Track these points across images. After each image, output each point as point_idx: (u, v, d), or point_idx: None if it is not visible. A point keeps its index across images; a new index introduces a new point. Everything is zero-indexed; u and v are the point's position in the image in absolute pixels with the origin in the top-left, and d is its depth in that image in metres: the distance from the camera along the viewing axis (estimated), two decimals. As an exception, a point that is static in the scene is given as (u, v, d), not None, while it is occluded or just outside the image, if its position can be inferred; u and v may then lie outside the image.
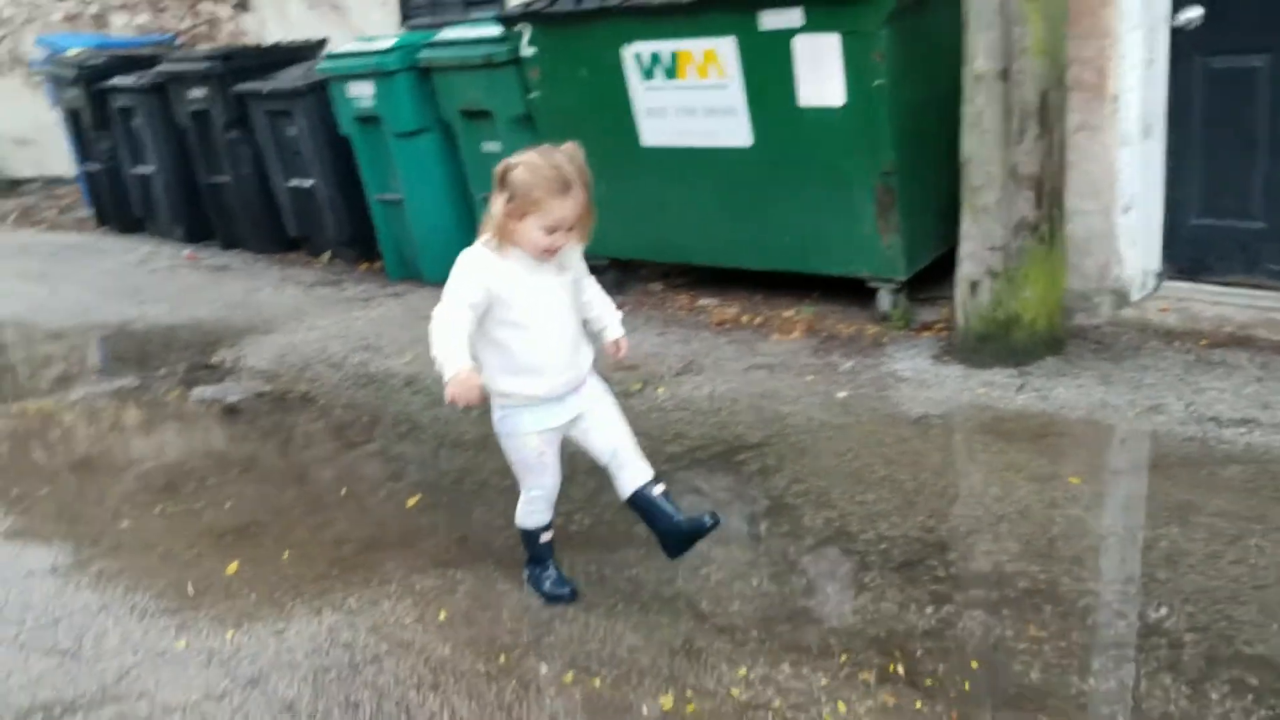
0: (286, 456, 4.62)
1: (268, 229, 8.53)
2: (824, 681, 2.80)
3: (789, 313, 5.80)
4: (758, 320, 5.82)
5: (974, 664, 2.84)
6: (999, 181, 4.58)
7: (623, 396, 4.94)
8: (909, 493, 3.78)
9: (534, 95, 6.13)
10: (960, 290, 4.85)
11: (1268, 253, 4.93)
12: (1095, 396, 4.43)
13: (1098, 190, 4.96)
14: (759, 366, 5.17)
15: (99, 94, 9.34)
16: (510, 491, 4.03)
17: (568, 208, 2.80)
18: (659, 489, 3.17)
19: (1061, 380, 4.61)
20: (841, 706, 2.70)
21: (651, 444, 4.00)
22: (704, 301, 6.17)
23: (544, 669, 2.95)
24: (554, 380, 3.03)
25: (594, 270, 7.46)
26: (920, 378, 4.82)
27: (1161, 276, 5.23)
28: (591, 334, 3.21)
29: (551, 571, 3.30)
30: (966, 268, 4.80)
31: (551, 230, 2.82)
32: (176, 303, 7.41)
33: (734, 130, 5.50)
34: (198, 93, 8.36)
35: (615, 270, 6.42)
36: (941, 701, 2.69)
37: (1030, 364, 4.75)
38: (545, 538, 3.30)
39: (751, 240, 5.77)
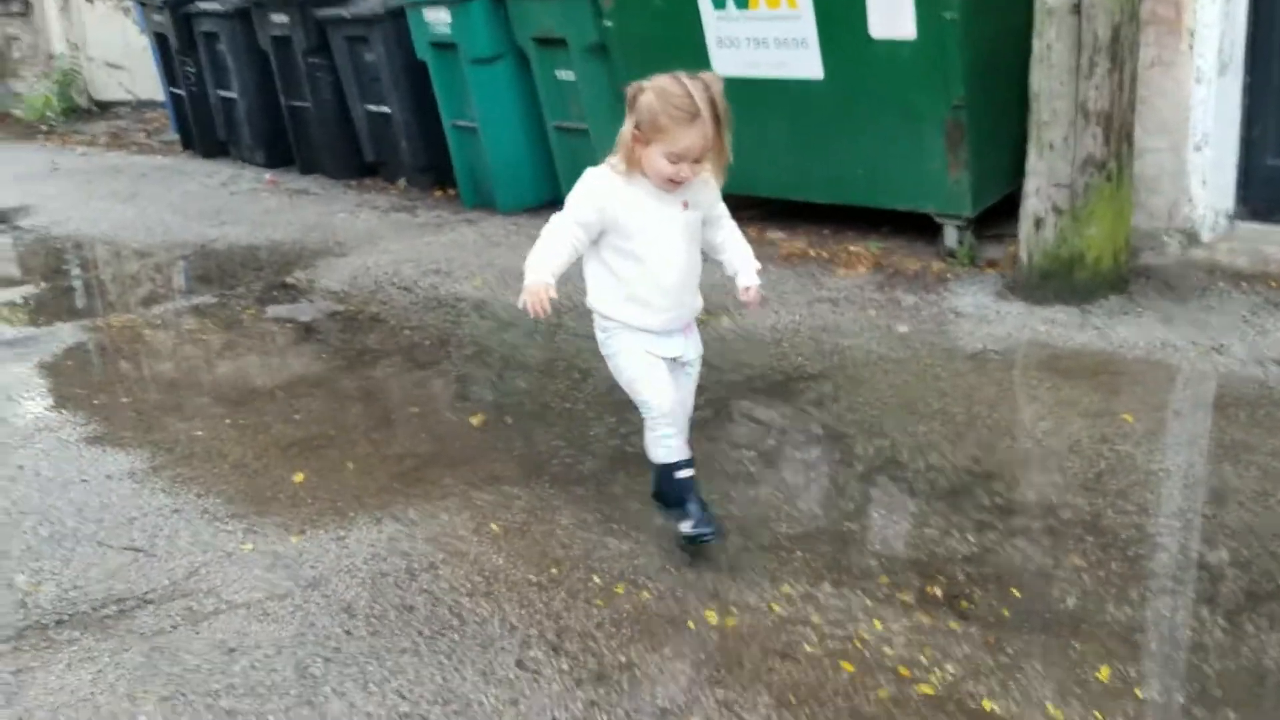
0: (355, 374, 4.77)
1: (345, 154, 8.68)
2: (864, 601, 2.88)
3: (855, 248, 5.81)
4: (824, 254, 5.83)
5: (1013, 590, 2.89)
6: (1067, 117, 4.53)
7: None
8: (960, 425, 3.82)
9: (608, 23, 6.14)
10: (1025, 227, 4.83)
11: (1346, 195, 4.83)
12: (1156, 336, 4.40)
13: (1169, 127, 4.88)
14: (823, 300, 5.19)
15: (185, 18, 9.53)
16: (571, 414, 4.16)
17: (693, 137, 2.70)
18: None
19: (1123, 319, 4.58)
20: (878, 624, 2.77)
21: (712, 373, 4.08)
22: (772, 234, 6.18)
23: (594, 581, 3.06)
24: (660, 316, 2.95)
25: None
26: (981, 314, 4.82)
27: (1234, 217, 5.14)
28: (726, 274, 3.14)
29: (693, 508, 3.01)
30: (1032, 204, 4.77)
31: (676, 159, 2.73)
32: (256, 224, 7.60)
33: (805, 62, 5.48)
34: (280, 18, 8.49)
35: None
36: (977, 624, 2.75)
37: (1093, 302, 4.73)
38: (682, 474, 3.01)
39: (820, 174, 5.77)
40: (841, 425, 3.91)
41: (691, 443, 3.15)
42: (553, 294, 2.78)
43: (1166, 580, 2.87)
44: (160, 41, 10.19)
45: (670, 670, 2.67)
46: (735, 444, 3.80)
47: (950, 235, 5.46)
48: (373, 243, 6.90)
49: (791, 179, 5.92)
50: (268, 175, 9.19)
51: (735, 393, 4.23)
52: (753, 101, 5.78)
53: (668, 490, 3.06)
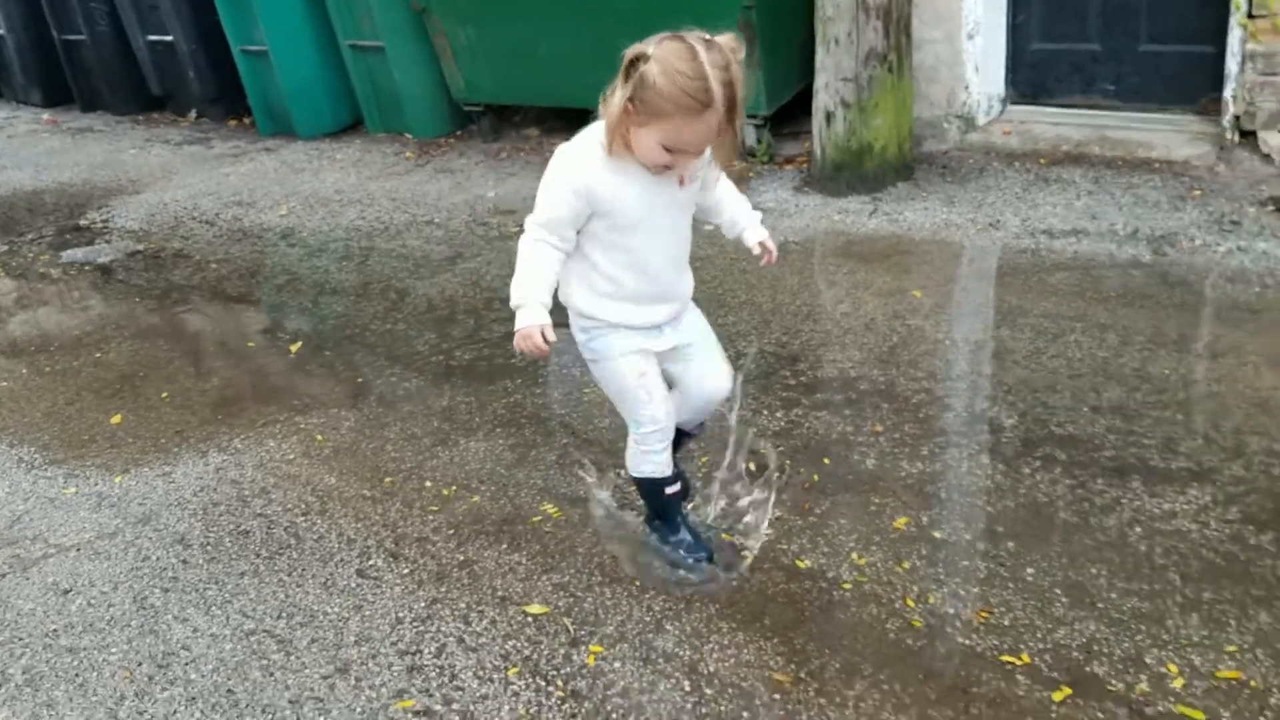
0: (163, 312, 4.67)
1: (128, 88, 8.31)
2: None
3: (658, 151, 5.93)
4: (628, 160, 5.93)
5: (824, 459, 3.11)
6: (849, 13, 4.73)
7: (502, 240, 5.09)
8: (766, 313, 4.02)
9: (393, -64, 6.04)
10: (817, 121, 5.04)
11: (1102, 73, 5.20)
12: (940, 217, 4.70)
13: (944, 18, 5.14)
14: (628, 204, 5.31)
15: (-66, -49, 8.87)
16: (391, 335, 4.20)
17: (699, 131, 2.15)
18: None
19: (910, 204, 4.86)
20: (699, 501, 2.96)
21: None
22: (575, 144, 6.25)
23: (427, 487, 3.15)
24: (656, 310, 2.46)
25: (468, 118, 7.49)
26: (782, 208, 5.03)
27: (1006, 101, 5.47)
28: (728, 237, 2.69)
29: (684, 536, 2.70)
30: (822, 99, 4.98)
31: (674, 151, 2.20)
32: (39, 167, 7.25)
33: (595, -31, 5.52)
34: (41, -54, 8.01)
35: (490, 116, 6.46)
36: (790, 492, 2.96)
37: (883, 190, 5.00)
38: (671, 491, 2.66)
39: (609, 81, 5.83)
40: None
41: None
42: (550, 335, 2.29)
43: (953, 436, 3.14)
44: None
45: (508, 563, 2.79)
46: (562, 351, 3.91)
47: (749, 135, 5.64)
48: (167, 178, 6.69)
49: (593, 88, 5.96)
50: (46, 115, 8.73)
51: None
52: (553, 11, 5.80)
53: (655, 507, 2.72)
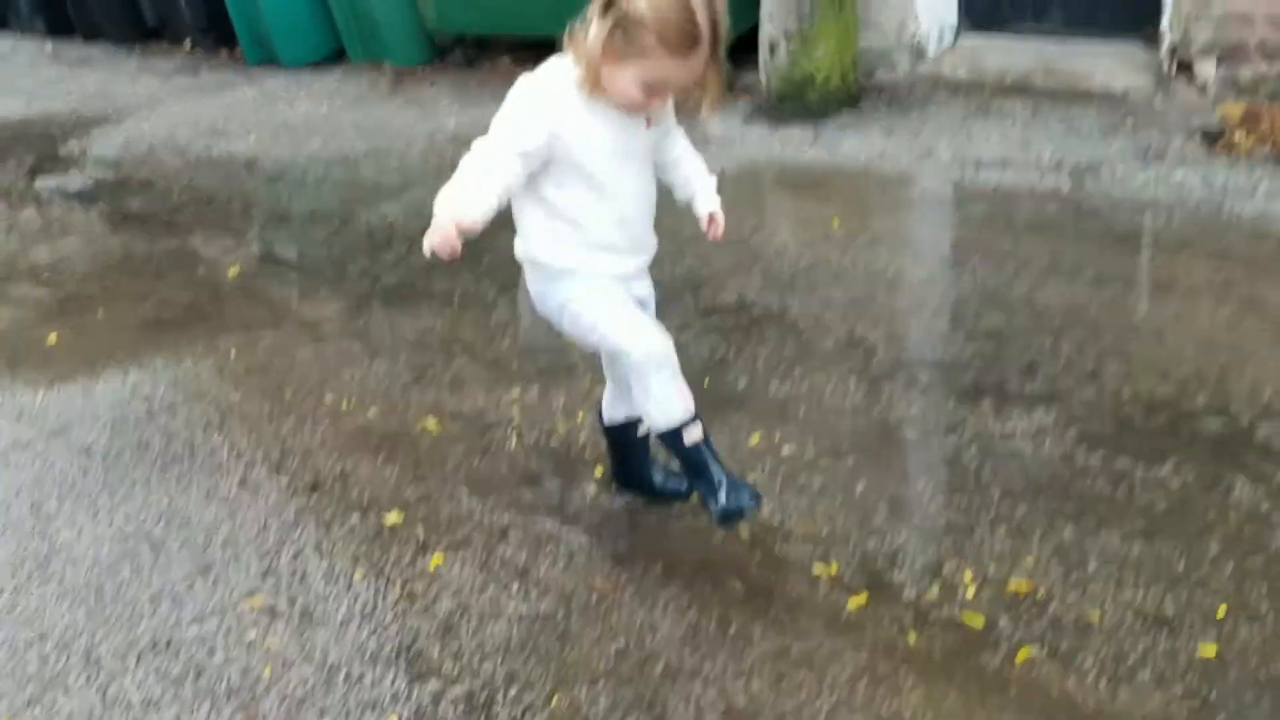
0: (118, 238, 4.82)
1: (126, 18, 8.42)
2: (562, 400, 3.18)
3: (620, 81, 5.98)
4: (591, 90, 5.99)
5: (704, 381, 3.21)
6: (789, -59, 4.75)
7: (453, 169, 5.19)
8: (684, 240, 4.08)
9: None
10: (762, 53, 5.08)
11: (1054, 1, 5.17)
12: (876, 147, 4.74)
13: (893, -54, 5.14)
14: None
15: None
16: (327, 259, 4.33)
17: (683, 70, 2.01)
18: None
19: (850, 134, 4.90)
20: (581, 416, 3.08)
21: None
22: (544, 74, 6.31)
23: (325, 403, 3.30)
24: (625, 261, 2.29)
25: (441, 51, 7.53)
26: (729, 137, 5.09)
27: (960, 30, 5.46)
28: (678, 198, 2.52)
29: (718, 475, 2.27)
30: (767, 29, 5.01)
31: (655, 91, 2.05)
32: (32, 96, 7.40)
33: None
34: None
35: (465, 47, 6.53)
36: (662, 412, 3.06)
37: (826, 120, 5.03)
38: (693, 435, 2.27)
39: (576, 9, 5.87)
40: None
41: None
42: (468, 226, 1.99)
43: (827, 359, 3.23)
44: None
45: (381, 475, 2.94)
46: (482, 276, 4.03)
47: (705, 64, 5.67)
48: (151, 108, 6.82)
49: (561, 18, 6.01)
50: (48, 45, 8.88)
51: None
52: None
53: (686, 459, 2.31)
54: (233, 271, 4.33)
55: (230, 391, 3.44)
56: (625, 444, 2.61)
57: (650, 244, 2.36)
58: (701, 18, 1.97)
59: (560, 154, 2.10)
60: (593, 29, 2.01)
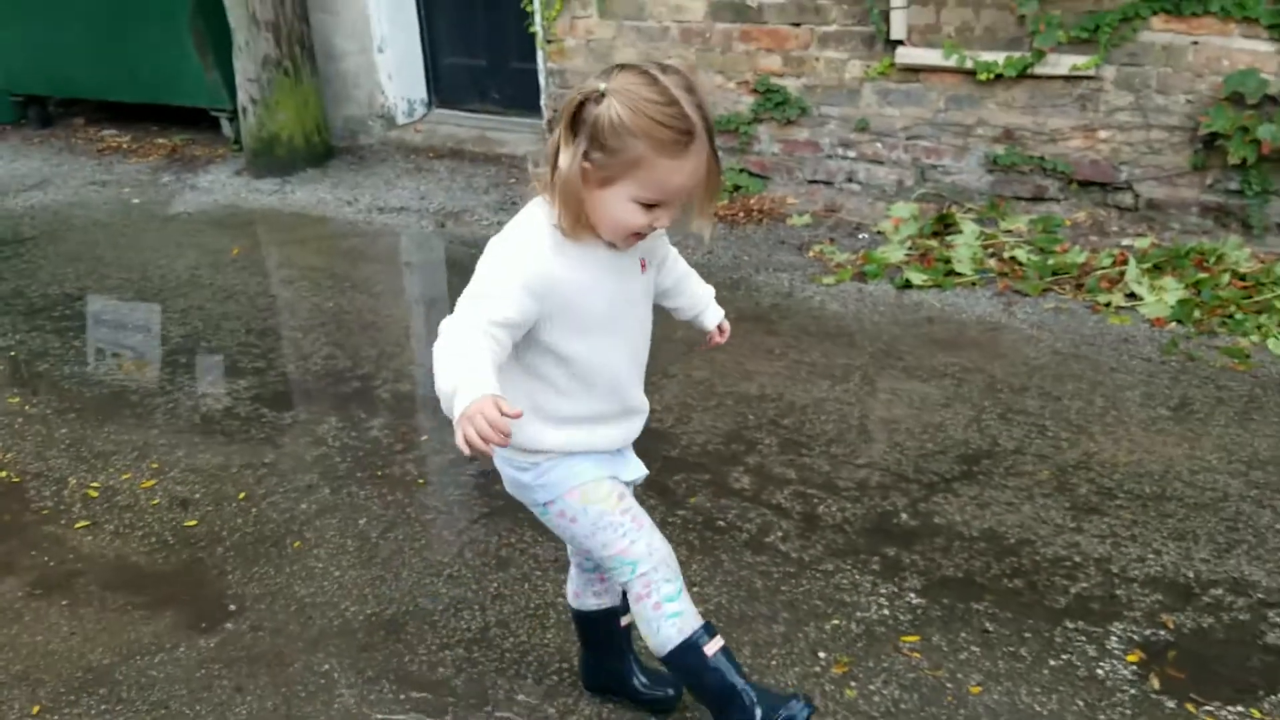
0: None
1: None
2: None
3: (162, 139, 6.83)
4: (136, 146, 6.82)
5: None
6: (245, 25, 5.71)
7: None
8: (105, 266, 4.94)
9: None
10: (240, 115, 5.99)
11: (490, 85, 6.28)
12: (318, 196, 5.70)
13: (357, 34, 6.17)
14: (98, 182, 6.19)
15: None
16: None
17: (685, 171, 1.71)
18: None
19: (308, 186, 5.86)
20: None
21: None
22: (106, 133, 7.11)
23: None
24: (618, 428, 1.97)
25: (26, 109, 7.99)
26: (211, 187, 5.97)
27: (431, 104, 6.52)
28: (684, 319, 2.19)
29: (749, 691, 1.92)
30: (240, 95, 5.94)
31: (653, 206, 1.73)
32: None
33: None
34: None
35: (37, 106, 7.25)
36: None
37: (293, 174, 5.97)
38: (714, 646, 1.94)
39: (121, 75, 6.70)
40: (20, 277, 4.94)
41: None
42: (508, 408, 1.59)
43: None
44: None
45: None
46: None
47: (225, 125, 6.57)
48: None
49: (104, 81, 6.80)
50: None
51: None
52: (61, 7, 6.56)
53: (712, 690, 1.94)
54: None
55: None
56: (601, 636, 2.24)
57: (644, 406, 2.01)
58: (688, 105, 1.67)
59: (546, 315, 1.78)
60: (563, 158, 1.70)
